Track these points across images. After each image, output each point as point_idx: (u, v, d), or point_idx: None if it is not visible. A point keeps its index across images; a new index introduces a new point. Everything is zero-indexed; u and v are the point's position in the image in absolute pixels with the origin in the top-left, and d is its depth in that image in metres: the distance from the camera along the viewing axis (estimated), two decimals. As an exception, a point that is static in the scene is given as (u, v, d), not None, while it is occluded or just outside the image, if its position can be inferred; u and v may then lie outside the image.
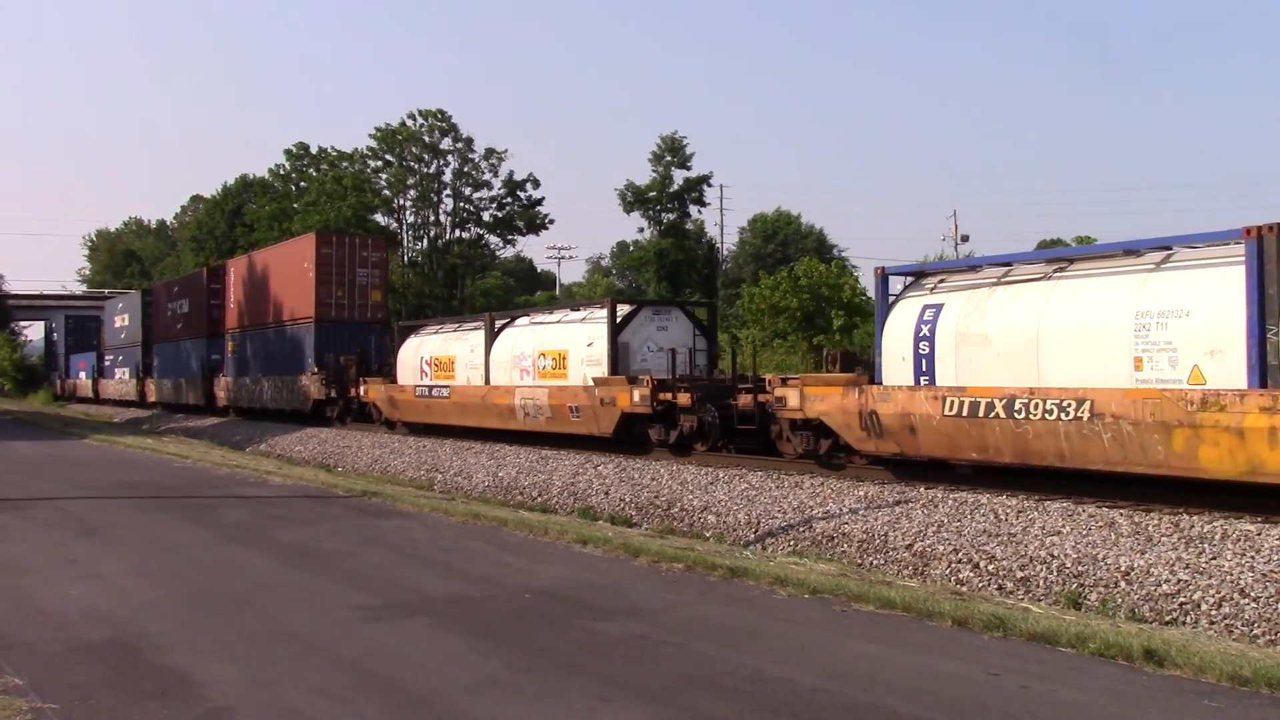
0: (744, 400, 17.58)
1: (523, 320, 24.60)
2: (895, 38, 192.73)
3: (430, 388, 26.54)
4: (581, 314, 22.44)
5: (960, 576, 11.29)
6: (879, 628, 8.22)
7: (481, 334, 24.96)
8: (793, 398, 16.02)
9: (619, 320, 20.69)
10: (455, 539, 12.60)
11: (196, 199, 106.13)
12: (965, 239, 69.15)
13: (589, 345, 21.07)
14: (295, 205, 69.35)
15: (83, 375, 68.66)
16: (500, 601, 9.04)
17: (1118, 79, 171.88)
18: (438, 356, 26.78)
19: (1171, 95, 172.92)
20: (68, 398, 70.57)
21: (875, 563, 12.21)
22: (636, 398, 19.00)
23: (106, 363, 62.17)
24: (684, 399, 18.56)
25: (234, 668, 6.95)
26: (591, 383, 20.25)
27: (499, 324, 24.88)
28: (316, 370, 32.53)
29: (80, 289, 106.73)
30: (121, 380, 57.55)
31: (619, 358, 20.45)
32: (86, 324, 73.64)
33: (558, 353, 22.02)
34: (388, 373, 30.46)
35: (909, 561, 11.95)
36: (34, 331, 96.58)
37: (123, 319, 58.29)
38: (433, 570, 10.56)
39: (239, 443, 32.20)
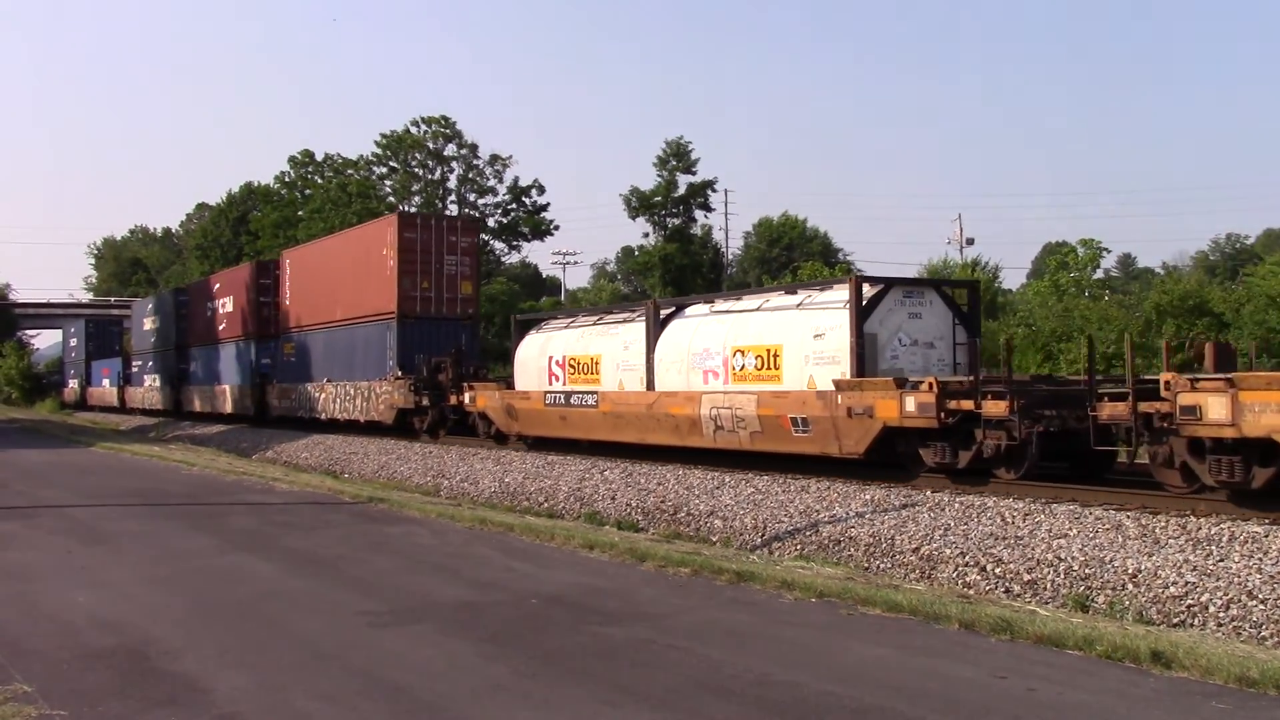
0: (1110, 410, 12.79)
1: (698, 308, 19.69)
2: (900, 42, 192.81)
3: (567, 395, 21.33)
4: (798, 298, 17.55)
5: (967, 579, 11.27)
6: (886, 631, 8.21)
7: (640, 327, 20.19)
8: (1216, 407, 11.39)
9: (864, 304, 15.91)
10: (462, 544, 12.61)
11: (202, 207, 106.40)
12: (970, 242, 69.10)
13: (816, 338, 16.28)
14: (300, 213, 69.49)
15: (106, 382, 63.64)
16: (507, 607, 9.05)
17: (1122, 81, 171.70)
18: (575, 356, 21.68)
19: (1176, 98, 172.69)
20: (89, 407, 66.08)
21: (882, 566, 12.19)
22: (911, 406, 14.32)
23: (134, 369, 57.63)
24: (994, 408, 13.62)
25: (241, 674, 6.96)
26: (831, 386, 15.50)
27: (663, 313, 20.09)
28: (400, 374, 27.71)
29: (87, 297, 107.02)
30: (151, 387, 52.78)
31: (865, 354, 15.68)
32: (109, 328, 70.79)
33: (765, 349, 17.11)
34: (483, 377, 26.60)
35: (916, 565, 11.93)
36: (41, 340, 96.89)
37: (152, 321, 53.39)
38: (439, 576, 10.57)
39: (245, 449, 32.24)
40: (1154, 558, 10.38)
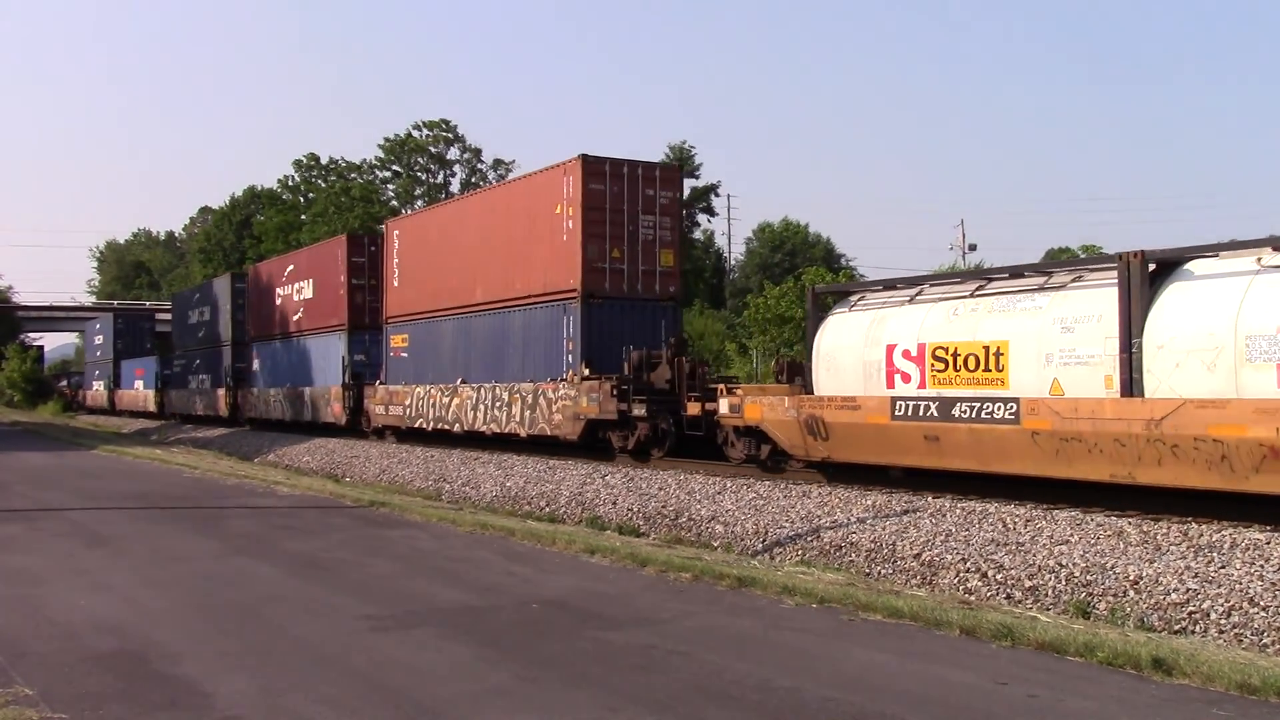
0: None
1: (1236, 261, 11.87)
2: (902, 47, 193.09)
3: (943, 403, 13.90)
4: None
5: (968, 585, 11.26)
6: (886, 637, 8.21)
7: (1097, 295, 12.90)
8: None
9: None
10: (463, 549, 12.61)
11: (205, 210, 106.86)
12: (973, 248, 69.19)
13: None
14: (303, 216, 69.70)
15: (140, 384, 56.12)
16: (508, 611, 9.05)
17: (1126, 86, 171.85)
18: (949, 344, 14.23)
19: (1180, 103, 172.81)
20: (119, 412, 60.17)
21: (883, 572, 12.19)
22: None
23: (175, 368, 50.71)
24: None
25: (242, 678, 6.96)
26: None
27: (1150, 266, 12.34)
28: (588, 373, 20.79)
29: (90, 300, 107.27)
30: (199, 390, 46.01)
31: None
32: (140, 324, 64.82)
33: None
34: (705, 377, 19.79)
35: (917, 571, 11.93)
36: (44, 343, 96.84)
37: (201, 312, 46.41)
38: (440, 580, 10.57)
39: (247, 453, 32.28)
40: (1155, 564, 10.37)
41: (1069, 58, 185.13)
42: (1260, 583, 9.57)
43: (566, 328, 21.74)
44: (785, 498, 15.26)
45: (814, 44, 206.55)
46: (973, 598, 10.78)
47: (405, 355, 28.49)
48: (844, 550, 12.89)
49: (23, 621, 8.65)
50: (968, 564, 11.57)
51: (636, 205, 21.90)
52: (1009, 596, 10.83)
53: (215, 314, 44.25)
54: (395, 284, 29.06)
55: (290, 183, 75.27)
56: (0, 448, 32.85)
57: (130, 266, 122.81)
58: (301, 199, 73.83)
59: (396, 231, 29.61)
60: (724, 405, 17.77)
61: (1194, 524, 11.32)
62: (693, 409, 18.90)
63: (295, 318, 35.54)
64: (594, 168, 21.57)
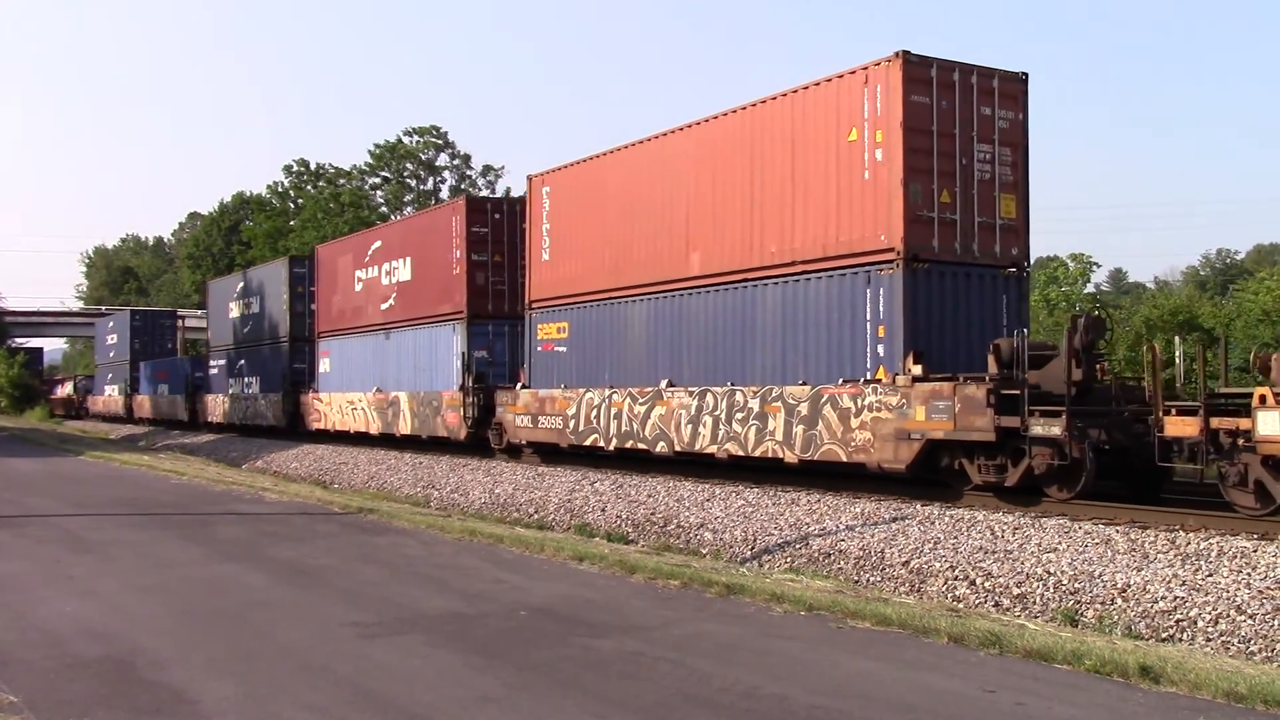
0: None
1: None
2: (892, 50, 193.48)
3: None
4: None
5: (957, 593, 11.28)
6: (875, 645, 8.21)
7: None
8: None
9: None
10: (451, 556, 12.59)
11: (194, 216, 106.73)
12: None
13: None
14: (292, 223, 69.64)
15: (164, 388, 49.56)
16: (496, 618, 9.04)
17: (1114, 95, 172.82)
18: None
19: (1168, 112, 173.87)
20: (137, 419, 54.26)
21: (872, 580, 12.20)
22: None
23: (212, 370, 43.47)
24: None
25: (229, 685, 6.94)
26: None
27: None
28: (919, 372, 14.34)
29: (78, 305, 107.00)
30: (245, 395, 39.06)
31: None
32: (160, 321, 59.18)
33: None
34: (1095, 378, 13.70)
35: (905, 578, 11.94)
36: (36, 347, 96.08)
37: (247, 304, 39.12)
38: (428, 587, 10.55)
39: (235, 459, 32.15)
40: (1143, 572, 10.40)
41: (1061, 65, 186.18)
42: (1247, 590, 9.60)
43: (873, 305, 15.23)
44: (774, 505, 15.26)
45: (805, 49, 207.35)
46: (961, 605, 10.79)
47: (563, 350, 21.98)
48: (833, 558, 12.90)
49: (8, 628, 8.61)
50: (956, 572, 11.59)
51: (970, 129, 15.43)
52: (997, 604, 10.85)
53: (266, 306, 37.14)
54: (545, 257, 22.54)
55: (279, 188, 75.24)
56: (-14, 453, 32.68)
57: (119, 272, 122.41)
58: (291, 205, 73.75)
59: (547, 189, 22.57)
60: (1268, 423, 11.01)
61: (1181, 532, 11.36)
62: (1179, 427, 12.05)
63: (384, 306, 29.29)
64: (917, 72, 15.03)
